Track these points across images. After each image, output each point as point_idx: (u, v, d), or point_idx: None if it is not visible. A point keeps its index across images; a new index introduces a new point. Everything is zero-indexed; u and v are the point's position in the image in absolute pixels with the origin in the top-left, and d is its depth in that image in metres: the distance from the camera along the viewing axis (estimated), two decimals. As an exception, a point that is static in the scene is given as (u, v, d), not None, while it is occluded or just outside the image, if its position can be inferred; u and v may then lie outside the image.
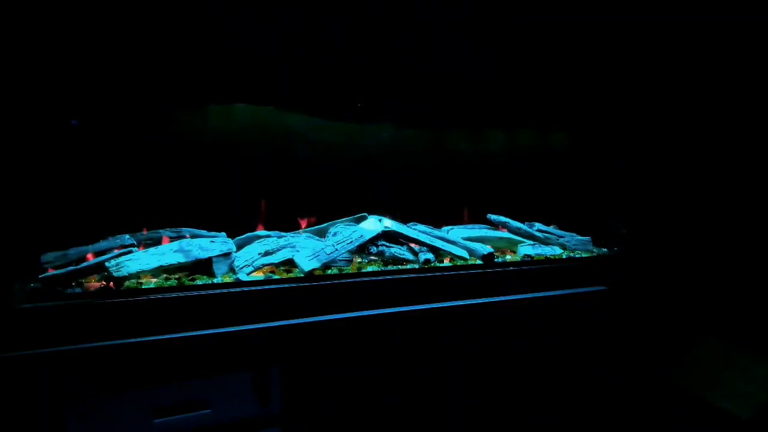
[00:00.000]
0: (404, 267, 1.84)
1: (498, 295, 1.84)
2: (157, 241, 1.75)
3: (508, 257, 2.15)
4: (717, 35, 2.34)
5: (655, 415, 2.12)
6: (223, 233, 1.84)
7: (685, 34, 2.41)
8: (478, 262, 1.95)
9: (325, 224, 2.07)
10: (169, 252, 1.58)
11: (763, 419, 1.85)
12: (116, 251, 1.55)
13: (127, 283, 1.47)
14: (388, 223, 1.95)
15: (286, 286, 1.56)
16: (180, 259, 1.57)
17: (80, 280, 1.50)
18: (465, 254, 1.97)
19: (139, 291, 1.43)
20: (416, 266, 1.85)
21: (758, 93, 2.28)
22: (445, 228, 2.25)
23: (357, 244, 1.81)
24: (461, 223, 2.35)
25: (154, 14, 1.89)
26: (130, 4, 1.85)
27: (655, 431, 2.09)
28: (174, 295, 1.43)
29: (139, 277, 1.51)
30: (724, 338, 2.23)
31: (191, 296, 1.44)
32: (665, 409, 2.11)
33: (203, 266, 1.63)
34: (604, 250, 2.35)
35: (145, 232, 1.79)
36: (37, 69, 1.71)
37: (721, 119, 2.37)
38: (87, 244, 1.62)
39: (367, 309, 1.62)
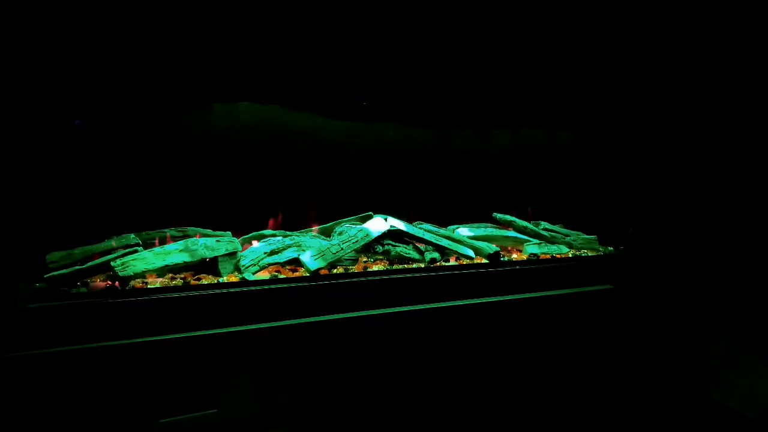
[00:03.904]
0: (410, 266, 1.84)
1: (504, 294, 1.82)
2: (162, 241, 1.74)
3: (514, 256, 2.14)
4: (724, 32, 2.32)
5: (661, 414, 2.10)
6: (229, 232, 1.83)
7: (691, 30, 2.39)
8: (484, 261, 1.94)
9: (331, 223, 2.06)
10: (174, 251, 1.57)
11: (770, 419, 1.84)
12: (121, 250, 1.55)
13: (132, 283, 1.46)
14: (394, 222, 1.94)
15: (291, 285, 1.56)
16: (185, 258, 1.56)
17: (85, 280, 1.49)
18: (471, 253, 1.96)
19: (144, 291, 1.43)
20: (422, 265, 1.84)
21: None
22: (451, 227, 2.24)
23: (363, 243, 1.80)
24: (467, 222, 2.34)
25: (157, 12, 1.88)
26: (134, 2, 1.84)
27: (661, 430, 2.08)
28: (179, 294, 1.42)
29: (144, 277, 1.50)
30: (731, 338, 2.22)
31: (197, 296, 1.44)
32: (671, 408, 2.10)
33: (209, 266, 1.62)
34: (610, 248, 2.34)
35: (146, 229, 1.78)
36: (40, 68, 1.70)
37: (732, 116, 2.34)
38: (92, 243, 1.62)
39: (374, 308, 1.61)
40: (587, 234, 2.38)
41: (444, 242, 1.96)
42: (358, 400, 1.59)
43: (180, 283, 1.50)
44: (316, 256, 1.67)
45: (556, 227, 2.42)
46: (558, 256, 2.13)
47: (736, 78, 2.33)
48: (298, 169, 2.25)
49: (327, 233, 2.02)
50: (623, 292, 2.03)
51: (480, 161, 2.68)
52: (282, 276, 1.65)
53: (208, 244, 1.63)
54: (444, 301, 1.72)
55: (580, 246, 2.31)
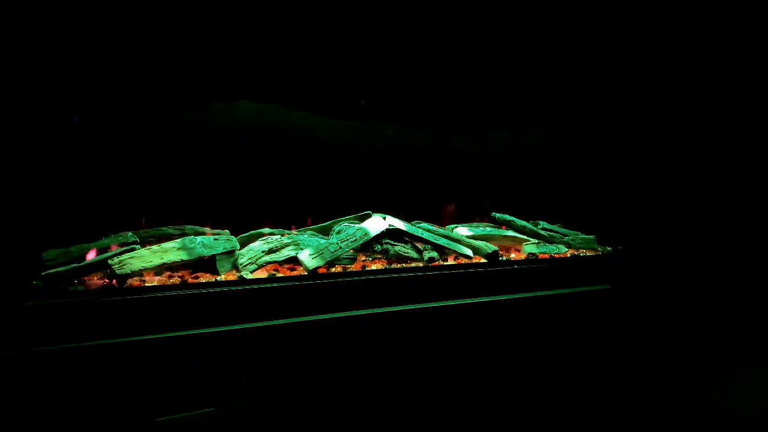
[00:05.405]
0: (408, 265, 1.83)
1: (502, 294, 1.82)
2: (159, 239, 1.73)
3: (513, 256, 2.14)
4: (725, 32, 2.33)
5: (658, 413, 2.11)
6: (227, 230, 1.83)
7: (691, 30, 2.39)
8: (483, 260, 1.94)
9: (329, 222, 2.06)
10: (172, 249, 1.56)
11: (766, 419, 1.84)
12: (119, 248, 1.54)
13: (129, 281, 1.46)
14: (393, 221, 1.94)
15: (289, 284, 1.55)
16: (183, 256, 1.56)
17: (82, 278, 1.49)
18: (469, 253, 1.96)
19: (141, 289, 1.42)
20: (420, 264, 1.84)
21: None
22: (450, 226, 2.24)
23: (361, 242, 1.80)
24: (465, 221, 2.34)
25: (156, 11, 1.87)
26: (134, 2, 1.83)
27: (659, 430, 2.08)
28: (177, 293, 1.42)
29: (142, 275, 1.50)
30: (729, 338, 2.22)
31: (194, 294, 1.43)
32: (668, 407, 2.10)
33: (207, 264, 1.62)
34: (609, 248, 2.34)
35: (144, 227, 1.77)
36: (38, 66, 1.69)
37: (732, 116, 2.34)
38: (89, 241, 1.61)
39: (372, 307, 1.61)
40: (586, 234, 2.38)
41: (442, 241, 1.96)
42: (357, 399, 1.58)
43: (177, 282, 1.49)
44: (315, 255, 1.67)
45: (554, 227, 2.42)
46: (556, 255, 2.13)
47: (736, 78, 2.33)
48: (296, 167, 2.24)
49: (325, 232, 2.01)
50: (621, 292, 2.03)
51: (479, 161, 2.68)
52: (280, 275, 1.65)
53: (206, 242, 1.63)
54: (442, 300, 1.72)
55: (578, 246, 2.31)
